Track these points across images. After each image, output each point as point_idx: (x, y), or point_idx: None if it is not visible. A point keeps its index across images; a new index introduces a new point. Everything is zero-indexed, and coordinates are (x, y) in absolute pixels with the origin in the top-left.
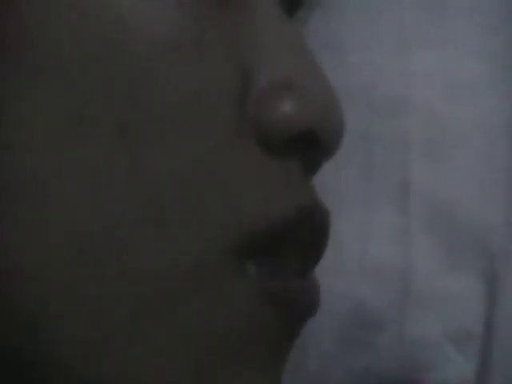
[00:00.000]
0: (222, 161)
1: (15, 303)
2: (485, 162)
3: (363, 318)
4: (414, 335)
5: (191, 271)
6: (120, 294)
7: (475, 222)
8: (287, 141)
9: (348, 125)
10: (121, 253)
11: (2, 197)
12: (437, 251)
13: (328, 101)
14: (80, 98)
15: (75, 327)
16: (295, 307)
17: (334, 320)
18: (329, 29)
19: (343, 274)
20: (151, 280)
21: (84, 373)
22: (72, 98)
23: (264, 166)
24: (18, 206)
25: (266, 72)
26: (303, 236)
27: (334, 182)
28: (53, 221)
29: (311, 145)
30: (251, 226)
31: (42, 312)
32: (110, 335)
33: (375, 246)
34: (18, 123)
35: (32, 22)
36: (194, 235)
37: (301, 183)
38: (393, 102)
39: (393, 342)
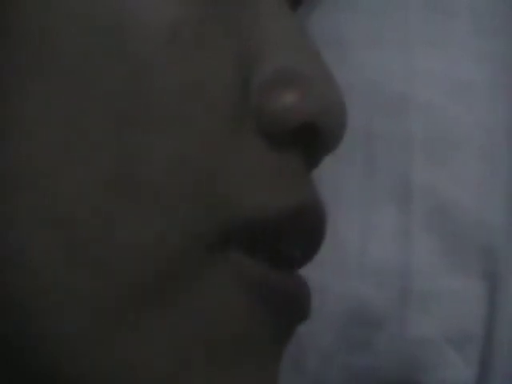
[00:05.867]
0: (220, 149)
1: (4, 294)
2: (486, 162)
3: (363, 317)
4: (414, 335)
5: (177, 260)
6: (107, 283)
7: (476, 222)
8: (288, 132)
9: (350, 122)
10: (107, 241)
11: None
12: (437, 251)
13: (331, 94)
14: (78, 88)
15: (62, 318)
16: (284, 301)
17: (334, 319)
18: (332, 26)
19: (343, 273)
20: (139, 267)
21: (75, 364)
22: (70, 88)
23: (263, 156)
24: (13, 194)
25: (268, 62)
26: (298, 230)
27: (334, 179)
28: (41, 207)
29: (312, 138)
30: (244, 214)
31: (30, 302)
32: (98, 326)
33: (375, 244)
34: (13, 112)
35: (32, 10)
36: (181, 221)
37: (299, 176)
38: (395, 101)
39: (392, 342)
